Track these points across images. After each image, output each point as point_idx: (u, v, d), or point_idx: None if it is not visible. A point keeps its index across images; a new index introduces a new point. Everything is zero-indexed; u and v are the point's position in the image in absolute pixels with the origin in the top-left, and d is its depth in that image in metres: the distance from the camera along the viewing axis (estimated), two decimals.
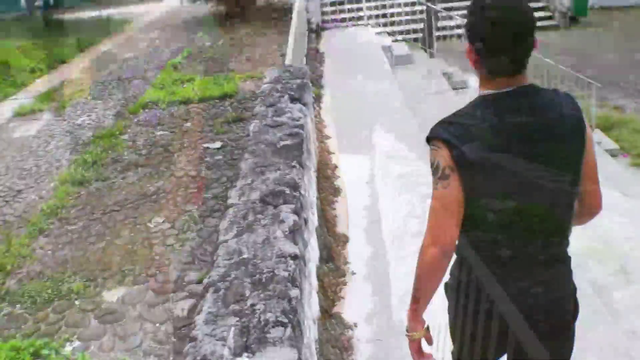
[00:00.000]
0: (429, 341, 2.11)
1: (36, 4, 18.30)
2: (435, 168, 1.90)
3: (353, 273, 4.32)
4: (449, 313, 2.19)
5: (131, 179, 6.13)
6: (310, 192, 4.19)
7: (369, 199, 5.33)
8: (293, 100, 4.67)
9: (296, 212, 2.97)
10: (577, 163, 1.94)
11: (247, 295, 2.34)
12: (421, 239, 1.95)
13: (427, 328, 2.10)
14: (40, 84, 10.76)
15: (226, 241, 2.76)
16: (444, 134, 1.88)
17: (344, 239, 4.76)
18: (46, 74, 11.48)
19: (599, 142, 9.77)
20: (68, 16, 18.19)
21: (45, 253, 4.96)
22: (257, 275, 2.46)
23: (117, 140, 7.19)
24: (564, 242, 2.04)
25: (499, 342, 2.07)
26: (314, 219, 4.23)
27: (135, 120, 7.90)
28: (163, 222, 5.24)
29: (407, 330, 2.10)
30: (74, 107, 8.96)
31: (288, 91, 4.84)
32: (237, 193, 3.17)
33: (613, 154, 9.51)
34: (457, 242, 1.95)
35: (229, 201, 3.11)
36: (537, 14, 17.87)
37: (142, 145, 7.00)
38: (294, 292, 2.37)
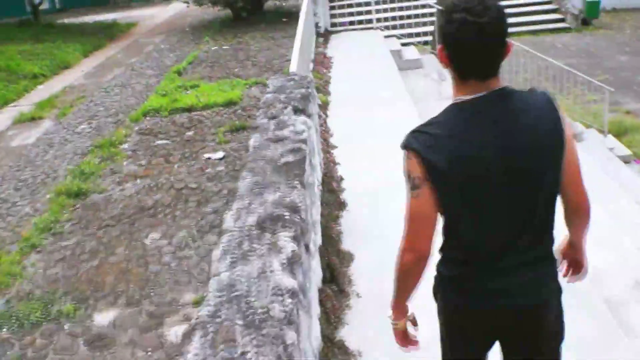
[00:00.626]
0: (413, 326, 2.18)
1: (41, 7, 18.09)
2: (407, 177, 1.91)
3: (358, 295, 4.06)
4: (438, 316, 2.21)
5: (129, 191, 5.90)
6: (314, 211, 3.94)
7: (377, 212, 5.07)
8: (297, 111, 4.42)
9: (296, 239, 2.72)
10: (556, 165, 1.90)
11: (237, 340, 2.09)
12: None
13: (412, 317, 2.18)
14: (43, 90, 10.58)
15: (219, 274, 2.51)
16: (414, 143, 1.88)
17: (349, 258, 4.49)
18: (49, 79, 11.30)
19: (611, 148, 9.49)
20: (74, 20, 18.07)
21: (36, 271, 4.74)
22: (250, 316, 2.21)
23: (117, 149, 6.97)
24: (544, 244, 2.02)
25: (483, 343, 2.16)
26: (316, 238, 3.98)
27: (137, 128, 7.67)
28: (160, 238, 5.00)
29: (391, 319, 2.18)
30: (75, 115, 8.75)
31: (291, 102, 4.58)
32: (232, 216, 2.92)
33: (626, 160, 9.22)
34: (431, 248, 1.95)
35: (224, 225, 2.88)
36: (548, 16, 17.60)
37: (142, 155, 6.77)
38: (291, 336, 2.12)
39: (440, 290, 2.14)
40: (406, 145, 1.89)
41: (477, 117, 1.84)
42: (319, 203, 4.47)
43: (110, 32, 15.52)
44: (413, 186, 1.89)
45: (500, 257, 1.96)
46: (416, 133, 1.90)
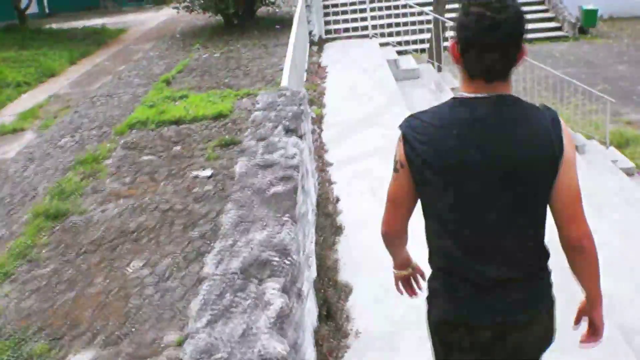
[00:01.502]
0: (420, 276, 2.29)
1: (29, 12, 17.68)
2: (394, 158, 1.96)
3: (357, 333, 3.72)
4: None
5: (111, 212, 5.56)
6: (307, 242, 3.61)
7: (376, 236, 4.74)
8: (288, 131, 4.09)
9: (285, 290, 2.39)
10: (543, 185, 1.83)
11: None
12: None
13: (414, 267, 2.30)
14: (27, 100, 10.22)
15: (197, 332, 2.18)
16: (405, 127, 1.91)
17: (347, 290, 4.16)
18: (33, 88, 10.94)
19: (614, 160, 9.23)
20: (62, 25, 17.69)
21: (8, 304, 4.38)
22: None
23: (100, 165, 6.62)
24: (533, 257, 1.93)
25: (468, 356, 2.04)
26: (311, 273, 3.66)
27: (122, 142, 7.33)
28: (142, 266, 4.66)
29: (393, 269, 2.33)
30: (58, 126, 8.40)
31: (282, 121, 4.26)
32: (214, 259, 2.59)
33: (629, 172, 8.97)
34: (404, 227, 2.07)
35: (204, 270, 2.54)
36: (545, 25, 17.36)
37: (126, 172, 6.43)
38: None
39: (427, 301, 2.11)
40: (399, 127, 1.93)
41: (471, 115, 1.81)
42: (313, 230, 4.14)
43: (99, 38, 15.17)
44: (395, 168, 1.95)
45: (484, 269, 1.90)
46: (411, 118, 1.93)
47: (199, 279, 2.91)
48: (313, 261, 3.86)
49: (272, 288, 2.36)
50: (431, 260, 2.05)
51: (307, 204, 3.84)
